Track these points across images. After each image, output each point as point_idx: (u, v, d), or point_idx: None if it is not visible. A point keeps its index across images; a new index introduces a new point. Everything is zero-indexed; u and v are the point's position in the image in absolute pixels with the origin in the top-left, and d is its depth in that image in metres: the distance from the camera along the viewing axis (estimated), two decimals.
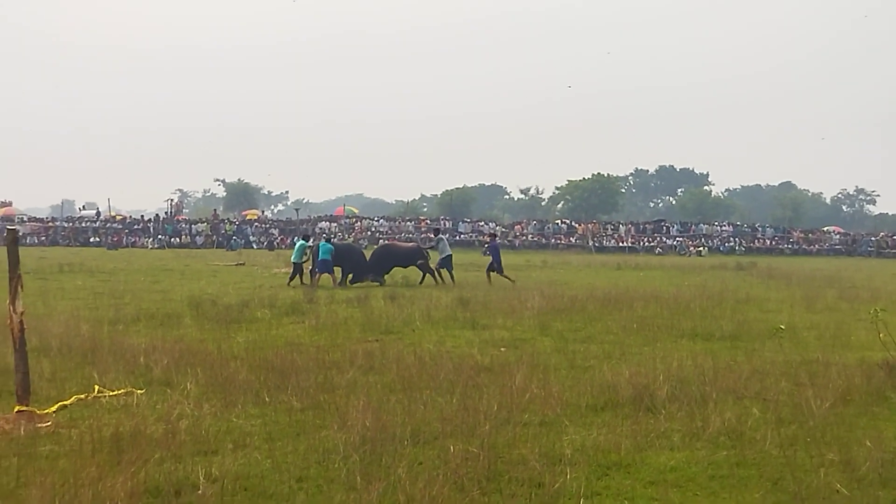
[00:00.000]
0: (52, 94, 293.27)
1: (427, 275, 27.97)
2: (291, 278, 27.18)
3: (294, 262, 27.60)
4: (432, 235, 31.62)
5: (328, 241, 28.77)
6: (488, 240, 35.51)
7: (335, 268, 27.00)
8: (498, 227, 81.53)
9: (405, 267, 28.88)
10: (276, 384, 9.38)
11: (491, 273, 28.18)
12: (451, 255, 28.64)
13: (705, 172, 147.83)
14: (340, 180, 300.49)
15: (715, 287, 25.47)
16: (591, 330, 14.91)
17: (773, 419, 7.89)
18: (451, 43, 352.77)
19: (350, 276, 27.39)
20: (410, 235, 74.31)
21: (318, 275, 26.65)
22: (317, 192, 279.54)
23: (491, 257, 29.01)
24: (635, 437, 7.37)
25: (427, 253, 28.97)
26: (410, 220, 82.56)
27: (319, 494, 5.96)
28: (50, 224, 77.38)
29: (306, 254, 27.89)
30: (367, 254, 29.72)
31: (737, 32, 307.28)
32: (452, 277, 27.69)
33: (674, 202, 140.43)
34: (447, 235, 75.07)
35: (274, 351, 11.70)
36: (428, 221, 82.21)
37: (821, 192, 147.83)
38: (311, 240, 33.96)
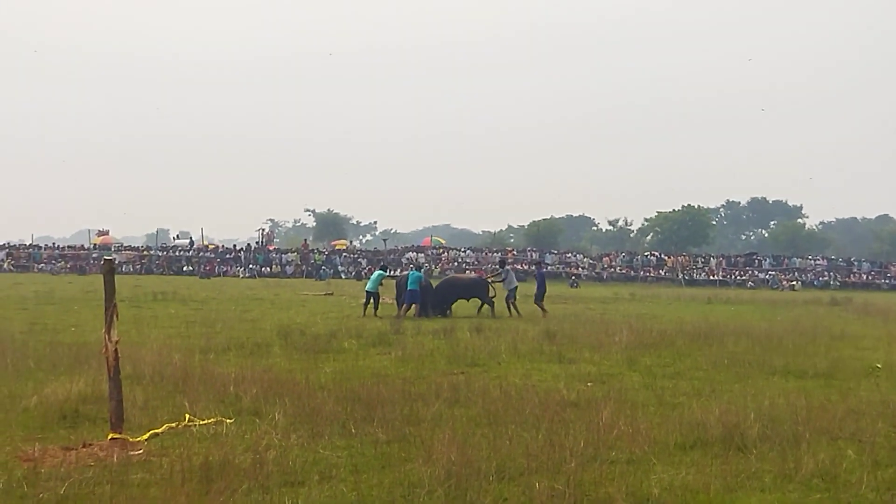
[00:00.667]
0: (147, 125, 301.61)
1: (487, 306, 28.00)
2: (366, 307, 27.26)
3: (368, 291, 27.64)
4: (498, 267, 31.21)
5: (418, 269, 28.87)
6: (536, 268, 34.85)
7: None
8: (585, 259, 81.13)
9: (468, 299, 28.87)
10: (363, 416, 9.44)
11: (540, 303, 28.33)
12: (517, 286, 28.71)
13: (799, 205, 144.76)
14: (428, 211, 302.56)
15: (808, 323, 24.90)
16: (681, 366, 14.68)
17: (869, 462, 7.65)
18: (543, 68, 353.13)
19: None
20: (495, 267, 74.28)
21: (405, 305, 26.73)
22: (405, 222, 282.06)
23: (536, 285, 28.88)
24: (725, 477, 7.20)
25: (490, 284, 29.01)
26: (497, 251, 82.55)
27: None
28: (145, 253, 79.47)
29: (382, 283, 28.07)
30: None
31: (832, 65, 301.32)
32: (516, 308, 27.83)
33: (766, 235, 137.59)
34: (533, 268, 75.47)
35: (360, 382, 11.80)
36: (514, 253, 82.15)
37: None
38: (394, 270, 34.13)
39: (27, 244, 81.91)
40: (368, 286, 27.94)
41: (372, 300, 27.23)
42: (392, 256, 76.74)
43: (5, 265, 71.34)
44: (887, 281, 77.23)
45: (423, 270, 30.76)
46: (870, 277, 78.53)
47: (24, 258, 74.57)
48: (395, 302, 27.96)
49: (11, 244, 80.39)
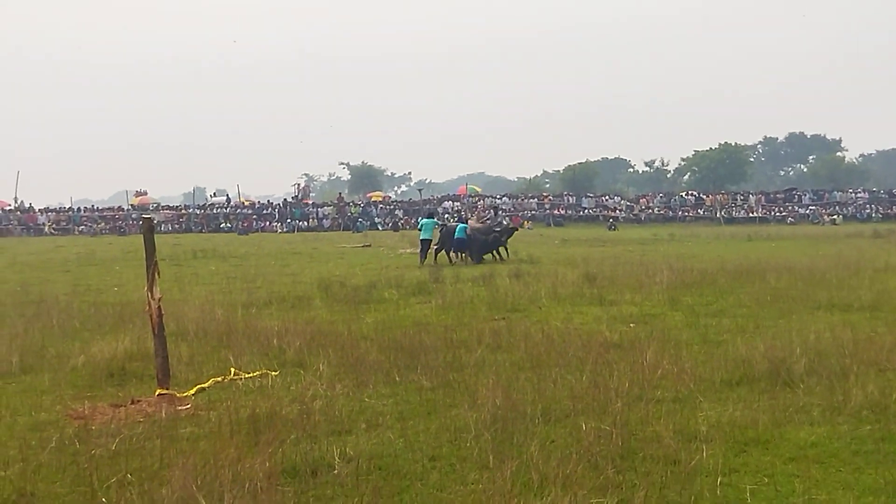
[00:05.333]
0: (183, 90, 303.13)
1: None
2: (424, 255, 27.57)
3: (424, 240, 27.97)
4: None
5: (464, 221, 29.89)
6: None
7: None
8: (623, 201, 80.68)
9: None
10: (406, 364, 9.46)
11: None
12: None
13: (838, 138, 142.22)
14: (462, 159, 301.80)
15: (851, 256, 24.65)
16: (723, 303, 14.58)
17: None
18: (578, 26, 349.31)
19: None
20: (533, 212, 74.26)
21: (453, 252, 27.93)
22: (439, 171, 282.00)
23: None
24: (773, 412, 7.16)
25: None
26: (533, 197, 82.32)
27: (453, 473, 5.97)
28: (183, 211, 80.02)
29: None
30: None
31: None
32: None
33: (805, 170, 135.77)
34: (571, 212, 75.18)
35: (402, 331, 11.82)
36: (551, 198, 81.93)
37: None
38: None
39: (66, 207, 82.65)
40: (424, 234, 28.15)
41: (427, 249, 27.72)
42: (428, 206, 76.68)
43: (47, 229, 72.10)
44: None
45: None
46: None
47: (65, 221, 75.37)
48: (417, 252, 28.52)
49: (52, 208, 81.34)
